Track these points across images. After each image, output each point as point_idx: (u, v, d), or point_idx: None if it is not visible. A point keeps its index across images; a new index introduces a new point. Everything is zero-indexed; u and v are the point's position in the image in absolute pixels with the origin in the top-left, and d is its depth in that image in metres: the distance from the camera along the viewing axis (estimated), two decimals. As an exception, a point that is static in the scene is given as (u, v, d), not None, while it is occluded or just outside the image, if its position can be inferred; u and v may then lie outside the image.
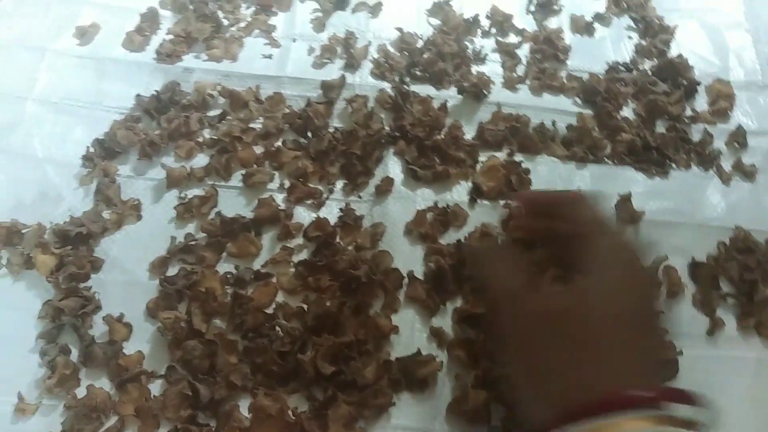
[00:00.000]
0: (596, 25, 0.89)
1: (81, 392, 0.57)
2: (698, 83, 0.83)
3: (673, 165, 0.76)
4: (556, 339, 0.35)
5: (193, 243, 0.65)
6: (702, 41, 0.89)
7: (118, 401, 0.56)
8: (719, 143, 0.78)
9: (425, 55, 0.81)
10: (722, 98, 0.82)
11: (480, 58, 0.83)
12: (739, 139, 0.78)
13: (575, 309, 0.35)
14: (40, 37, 0.79)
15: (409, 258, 0.66)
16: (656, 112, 0.79)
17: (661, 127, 0.79)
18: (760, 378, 0.62)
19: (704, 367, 0.62)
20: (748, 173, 0.76)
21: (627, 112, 0.80)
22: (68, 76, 0.76)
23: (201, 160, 0.71)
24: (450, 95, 0.79)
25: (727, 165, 0.76)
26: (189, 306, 0.60)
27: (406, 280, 0.64)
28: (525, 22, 0.89)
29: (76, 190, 0.69)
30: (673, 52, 0.87)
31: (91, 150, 0.70)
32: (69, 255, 0.63)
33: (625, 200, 0.70)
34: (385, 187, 0.70)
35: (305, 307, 0.61)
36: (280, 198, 0.69)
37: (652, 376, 0.35)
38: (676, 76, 0.84)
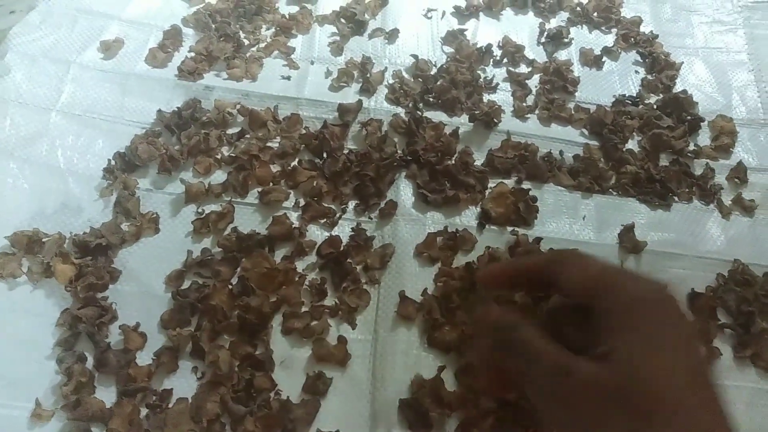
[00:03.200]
0: (605, 58, 0.92)
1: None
2: (702, 119, 0.86)
3: (676, 198, 0.78)
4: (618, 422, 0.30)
5: (209, 258, 0.67)
6: (706, 78, 0.93)
7: (110, 413, 0.57)
8: (720, 178, 0.81)
9: (438, 82, 0.84)
10: (724, 134, 0.85)
11: (491, 87, 0.86)
12: (739, 174, 0.81)
13: (632, 385, 0.30)
14: (65, 50, 0.81)
15: (416, 279, 0.68)
16: (660, 146, 0.82)
17: (664, 161, 0.81)
18: (754, 408, 0.64)
19: (701, 397, 0.64)
20: (747, 208, 0.78)
21: (632, 144, 0.82)
22: (92, 89, 0.78)
23: (219, 176, 0.73)
24: (461, 122, 0.81)
25: (727, 199, 0.79)
26: (200, 320, 0.62)
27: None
28: (536, 53, 0.91)
29: (96, 201, 0.70)
30: (678, 87, 0.90)
31: (112, 163, 0.72)
32: (88, 265, 0.65)
33: (629, 230, 0.73)
34: (388, 210, 0.72)
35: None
36: (294, 216, 0.71)
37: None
38: (681, 111, 0.86)
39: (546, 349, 0.32)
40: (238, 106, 0.78)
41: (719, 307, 0.70)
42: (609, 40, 0.95)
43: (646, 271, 0.71)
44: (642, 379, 0.30)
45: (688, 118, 0.86)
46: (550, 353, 0.32)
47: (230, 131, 0.76)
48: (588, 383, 0.30)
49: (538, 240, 0.71)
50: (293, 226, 0.69)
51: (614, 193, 0.78)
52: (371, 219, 0.72)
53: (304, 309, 0.65)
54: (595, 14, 0.98)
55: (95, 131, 0.75)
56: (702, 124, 0.86)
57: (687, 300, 0.70)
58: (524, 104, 0.85)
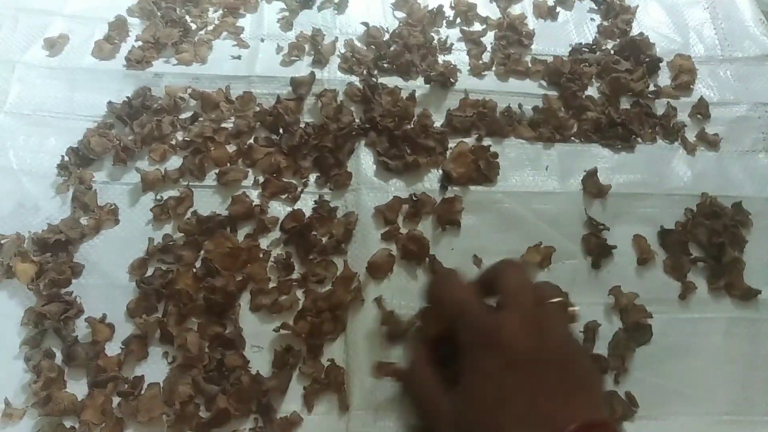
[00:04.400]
0: (559, 9, 0.91)
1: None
2: (660, 60, 0.85)
3: (639, 139, 0.78)
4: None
5: (171, 243, 0.66)
6: (663, 20, 0.92)
7: (82, 405, 0.57)
8: (683, 116, 0.80)
9: (392, 48, 0.83)
10: (684, 73, 0.84)
11: (446, 48, 0.85)
12: (702, 110, 0.80)
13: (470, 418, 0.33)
14: (9, 50, 0.80)
15: (382, 245, 0.67)
16: (620, 90, 0.81)
17: (625, 104, 0.81)
18: (731, 337, 0.64)
19: (677, 330, 0.64)
20: (712, 142, 0.78)
21: (591, 91, 0.82)
22: (39, 87, 0.77)
23: (175, 162, 0.72)
24: (418, 85, 0.80)
25: (691, 136, 0.78)
26: (166, 306, 0.61)
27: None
28: (489, 10, 0.90)
29: (53, 198, 0.69)
30: (635, 31, 0.89)
31: (66, 159, 0.71)
32: (48, 262, 0.64)
33: (591, 175, 0.72)
34: (343, 181, 0.71)
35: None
36: (255, 194, 0.70)
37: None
38: (638, 53, 0.85)
39: (426, 394, 0.35)
40: (189, 90, 0.77)
41: (690, 242, 0.70)
42: (562, -10, 0.94)
43: (613, 214, 0.71)
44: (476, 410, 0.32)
45: (646, 60, 0.85)
46: (428, 397, 0.35)
47: (183, 116, 0.75)
48: (450, 423, 0.33)
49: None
50: (254, 204, 0.69)
51: (576, 141, 0.77)
52: (331, 190, 0.71)
53: (271, 285, 0.65)
54: (547, -34, 0.97)
55: (46, 129, 0.74)
56: (661, 64, 0.85)
57: (658, 237, 0.70)
58: (480, 62, 0.84)
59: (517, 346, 0.33)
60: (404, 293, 0.64)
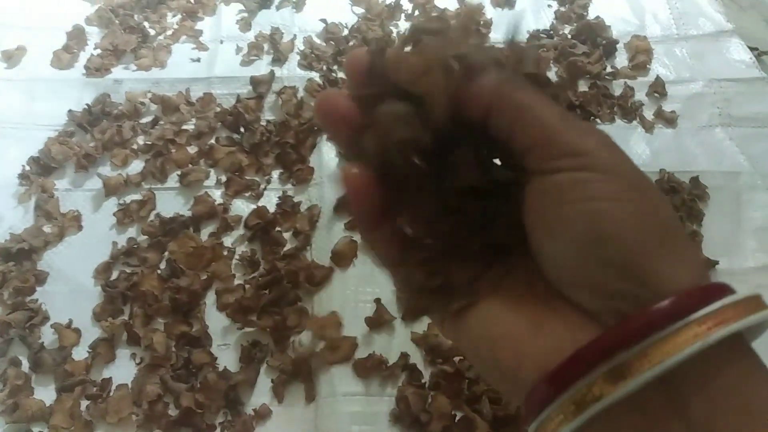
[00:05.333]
0: (515, -4, 0.92)
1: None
2: (617, 42, 0.86)
3: (598, 120, 0.79)
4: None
5: (135, 246, 0.66)
6: (618, 3, 0.93)
7: (50, 410, 0.57)
8: (640, 95, 0.81)
9: (351, 43, 0.84)
10: (640, 53, 0.85)
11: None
12: (658, 89, 0.81)
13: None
14: (-34, 64, 0.80)
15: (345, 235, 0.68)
16: (577, 73, 0.82)
17: (583, 87, 0.82)
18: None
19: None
20: (669, 119, 0.79)
21: (550, 75, 0.82)
22: (-2, 99, 0.77)
23: (137, 166, 0.72)
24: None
25: (649, 114, 0.79)
26: (131, 308, 0.62)
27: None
28: (446, 1, 0.91)
29: (15, 208, 0.69)
30: (592, 15, 0.90)
31: (27, 168, 0.71)
32: (12, 271, 0.64)
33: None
34: (304, 176, 0.72)
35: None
36: (218, 194, 0.70)
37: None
38: (595, 36, 0.87)
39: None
40: (149, 95, 0.77)
41: (650, 218, 0.71)
42: (518, -22, 0.95)
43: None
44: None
45: (603, 42, 0.86)
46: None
47: (144, 120, 0.76)
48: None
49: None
50: (217, 203, 0.69)
51: (536, 125, 0.78)
52: (294, 186, 0.72)
53: (237, 282, 0.65)
54: (502, -45, 0.98)
55: (6, 140, 0.74)
56: (617, 46, 0.86)
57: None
58: (439, 52, 0.85)
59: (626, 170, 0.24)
60: (369, 281, 0.65)
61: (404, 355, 0.58)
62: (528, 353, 0.24)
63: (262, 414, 0.57)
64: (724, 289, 0.23)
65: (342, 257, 0.66)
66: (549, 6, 0.92)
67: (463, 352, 0.29)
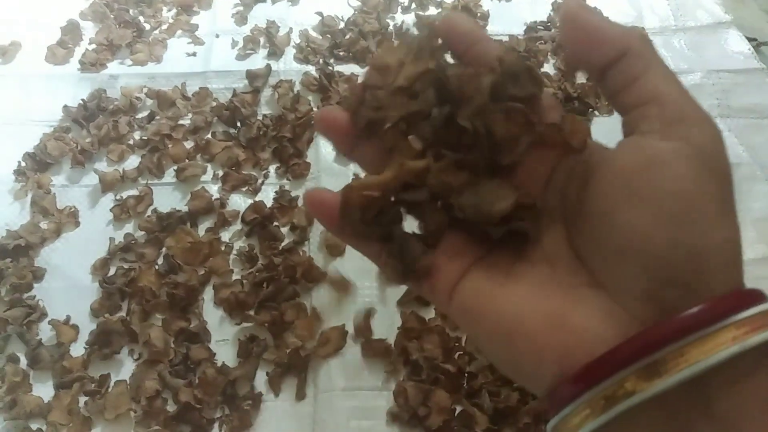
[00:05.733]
0: (512, -12, 0.92)
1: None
2: (614, 33, 0.86)
3: (596, 112, 0.78)
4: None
5: (132, 242, 0.66)
6: (616, -7, 0.93)
7: (48, 407, 0.57)
8: (638, 87, 0.81)
9: (347, 36, 0.83)
10: (638, 44, 0.85)
11: (402, 34, 0.85)
12: (656, 80, 0.81)
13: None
14: (-39, 60, 0.79)
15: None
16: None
17: (581, 78, 0.81)
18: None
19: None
20: (667, 112, 0.78)
21: (548, 68, 0.82)
22: (-7, 95, 0.77)
23: (133, 161, 0.72)
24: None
25: (646, 106, 0.79)
26: (129, 304, 0.61)
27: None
28: (443, -6, 0.91)
29: (11, 204, 0.69)
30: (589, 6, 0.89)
31: (23, 164, 0.71)
32: (8, 267, 0.64)
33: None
34: (300, 171, 0.71)
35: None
36: (214, 189, 0.70)
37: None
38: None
39: None
40: (145, 90, 0.77)
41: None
42: (515, -30, 0.94)
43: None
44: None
45: (601, 34, 0.86)
46: None
47: (140, 115, 0.75)
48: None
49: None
50: (213, 198, 0.69)
51: (534, 117, 0.78)
52: (289, 180, 0.71)
53: (235, 277, 0.65)
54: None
55: (1, 136, 0.74)
56: (615, 38, 0.86)
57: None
58: (436, 45, 0.84)
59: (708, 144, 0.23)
60: (368, 275, 0.64)
61: (405, 350, 0.58)
62: (550, 349, 0.24)
63: (259, 408, 0.57)
64: (760, 296, 0.23)
65: (335, 246, 0.65)
66: (546, -2, 0.92)
67: (475, 341, 0.29)
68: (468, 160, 0.27)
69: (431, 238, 0.28)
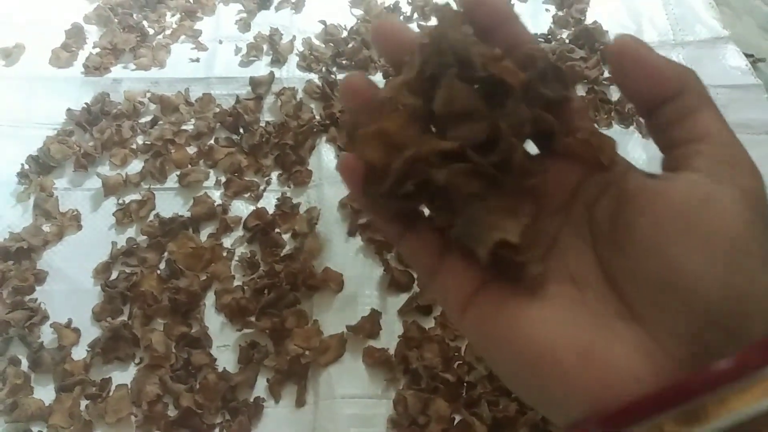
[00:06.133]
0: (513, 1, 0.93)
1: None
2: (614, 46, 0.87)
3: (596, 125, 0.79)
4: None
5: (134, 246, 0.66)
6: (616, 7, 0.94)
7: (50, 410, 0.57)
8: (637, 100, 0.82)
9: (350, 45, 0.84)
10: (637, 58, 0.86)
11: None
12: (655, 94, 0.82)
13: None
14: (-36, 62, 0.80)
15: (343, 237, 0.68)
16: (575, 77, 0.83)
17: (581, 91, 0.82)
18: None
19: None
20: (665, 125, 0.79)
21: (547, 80, 0.83)
22: (-3, 97, 0.77)
23: (136, 165, 0.72)
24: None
25: (645, 120, 0.80)
26: (131, 308, 0.62)
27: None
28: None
29: (14, 207, 0.70)
30: (589, 20, 0.90)
31: (26, 167, 0.71)
32: (11, 270, 0.64)
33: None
34: (302, 179, 0.72)
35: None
36: (217, 194, 0.71)
37: None
38: (593, 41, 0.87)
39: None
40: (148, 94, 0.77)
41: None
42: (516, -18, 0.95)
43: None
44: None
45: (601, 47, 0.87)
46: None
47: (143, 120, 0.76)
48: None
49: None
50: (216, 204, 0.69)
51: (534, 129, 0.78)
52: (290, 188, 0.72)
53: (236, 283, 0.65)
54: (501, -41, 0.98)
55: (5, 139, 0.74)
56: (614, 51, 0.87)
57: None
58: (438, 55, 0.85)
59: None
60: (369, 283, 0.65)
61: (405, 359, 0.58)
62: (581, 383, 0.23)
63: (260, 414, 0.58)
64: None
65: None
66: (547, 10, 0.93)
67: (490, 360, 0.26)
68: (488, 170, 0.25)
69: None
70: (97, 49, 0.82)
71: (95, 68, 0.79)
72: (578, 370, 0.23)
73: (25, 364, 0.60)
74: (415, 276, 0.64)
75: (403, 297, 0.63)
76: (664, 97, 0.25)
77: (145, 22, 0.85)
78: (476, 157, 0.24)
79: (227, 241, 0.68)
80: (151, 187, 0.71)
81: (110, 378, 0.59)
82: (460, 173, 0.24)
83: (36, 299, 0.63)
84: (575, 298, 0.24)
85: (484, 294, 0.25)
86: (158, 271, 0.65)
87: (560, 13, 0.92)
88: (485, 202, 0.25)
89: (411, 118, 0.25)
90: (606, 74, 0.84)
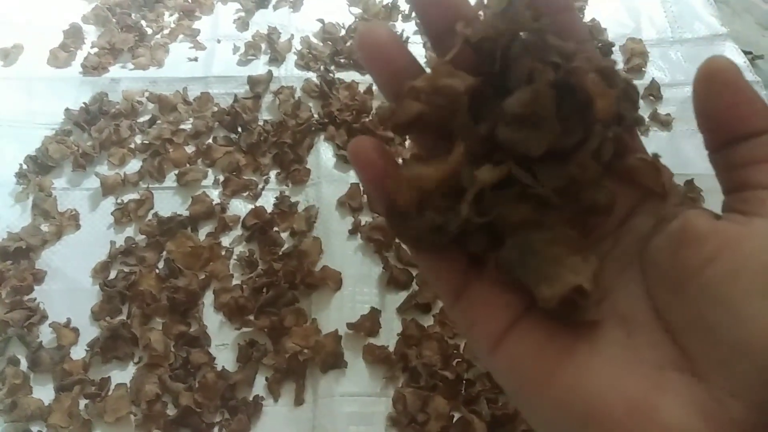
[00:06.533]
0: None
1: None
2: (612, 44, 0.87)
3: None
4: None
5: (133, 245, 0.66)
6: (615, 5, 0.94)
7: (49, 409, 0.57)
8: (635, 98, 0.82)
9: (348, 43, 0.84)
10: (636, 56, 0.86)
11: (403, 41, 0.86)
12: (654, 92, 0.82)
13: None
14: (-37, 62, 0.80)
15: (342, 231, 0.68)
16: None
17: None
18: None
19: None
20: (664, 122, 0.79)
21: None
22: (-5, 98, 0.77)
23: (134, 165, 0.72)
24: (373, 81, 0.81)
25: (644, 117, 0.80)
26: (130, 307, 0.62)
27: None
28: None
29: (12, 207, 0.69)
30: (587, 18, 0.90)
31: (24, 167, 0.71)
32: (9, 269, 0.64)
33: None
34: (300, 178, 0.72)
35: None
36: (215, 193, 0.71)
37: None
38: (591, 39, 0.87)
39: None
40: (146, 94, 0.77)
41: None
42: (514, -20, 0.95)
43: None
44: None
45: (599, 45, 0.87)
46: None
47: (141, 119, 0.76)
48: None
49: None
50: (214, 203, 0.69)
51: (532, 127, 0.78)
52: (287, 187, 0.72)
53: (235, 282, 0.65)
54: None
55: (3, 139, 0.74)
56: (613, 49, 0.87)
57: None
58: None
59: None
60: (367, 281, 0.65)
61: (404, 357, 0.58)
62: None
63: (259, 412, 0.58)
64: None
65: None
66: (545, 8, 0.93)
67: (524, 407, 0.23)
68: (548, 195, 0.21)
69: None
70: (96, 49, 0.82)
71: (93, 68, 0.79)
72: (630, 427, 0.20)
73: (24, 363, 0.60)
74: (414, 274, 0.64)
75: (402, 295, 0.63)
76: (747, 132, 0.22)
77: (143, 22, 0.85)
78: (530, 180, 0.21)
79: (226, 240, 0.68)
80: (150, 186, 0.71)
81: (109, 377, 0.59)
82: (507, 200, 0.22)
83: (35, 299, 0.63)
84: (626, 344, 0.22)
85: (522, 331, 0.23)
86: (157, 271, 0.65)
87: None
88: (544, 232, 0.22)
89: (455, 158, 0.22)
90: (604, 72, 0.84)
